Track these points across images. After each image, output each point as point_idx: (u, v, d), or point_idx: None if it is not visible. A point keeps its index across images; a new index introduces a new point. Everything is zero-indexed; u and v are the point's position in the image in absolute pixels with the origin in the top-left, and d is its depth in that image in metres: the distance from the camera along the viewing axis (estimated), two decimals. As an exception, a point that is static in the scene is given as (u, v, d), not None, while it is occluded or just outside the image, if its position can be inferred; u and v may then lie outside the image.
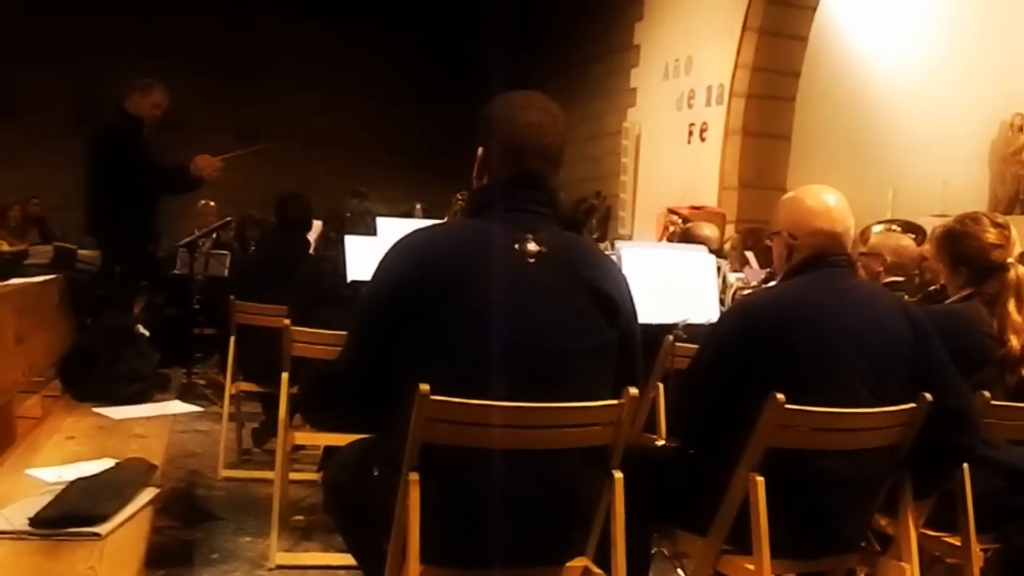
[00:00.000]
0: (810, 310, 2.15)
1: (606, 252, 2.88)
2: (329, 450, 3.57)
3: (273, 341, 3.34)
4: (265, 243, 7.22)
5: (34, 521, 1.93)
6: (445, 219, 5.19)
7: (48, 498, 2.04)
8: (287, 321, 3.24)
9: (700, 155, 8.93)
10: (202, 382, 6.00)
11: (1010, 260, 2.66)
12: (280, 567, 3.21)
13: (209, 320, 6.13)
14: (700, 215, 7.25)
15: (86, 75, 11.00)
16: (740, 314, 2.32)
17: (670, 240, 6.03)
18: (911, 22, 8.15)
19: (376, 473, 1.93)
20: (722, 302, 3.87)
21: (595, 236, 8.18)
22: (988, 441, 2.37)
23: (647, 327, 2.14)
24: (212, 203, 7.78)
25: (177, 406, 3.41)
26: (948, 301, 2.81)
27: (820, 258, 2.24)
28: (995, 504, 2.46)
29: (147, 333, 3.62)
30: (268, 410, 4.49)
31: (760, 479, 1.99)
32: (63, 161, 9.35)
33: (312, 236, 4.88)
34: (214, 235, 6.91)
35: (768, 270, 4.72)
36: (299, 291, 3.95)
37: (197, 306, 6.33)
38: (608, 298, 1.89)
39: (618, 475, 1.91)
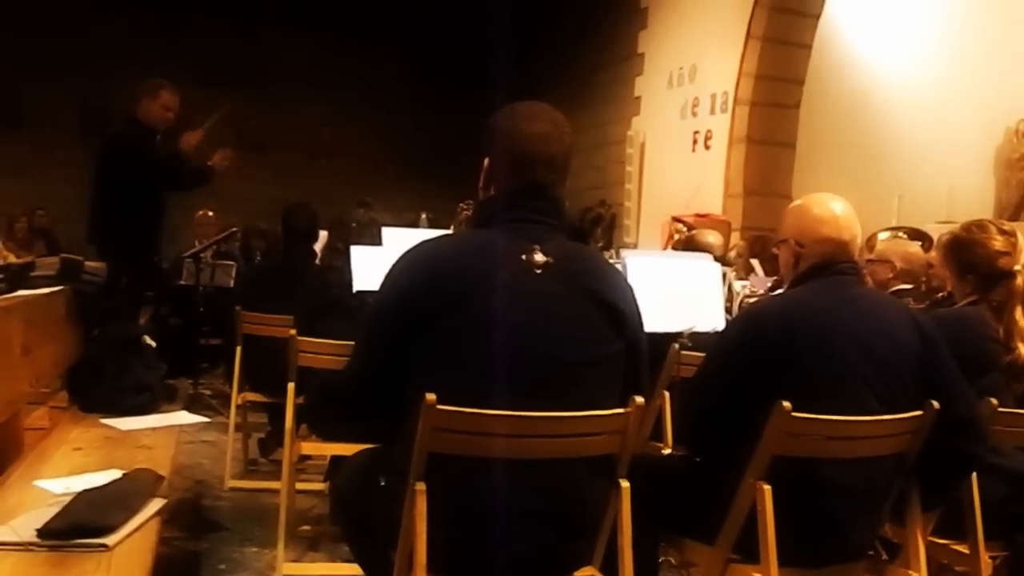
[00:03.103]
0: (817, 318, 2.15)
1: (611, 261, 2.89)
2: (336, 460, 3.58)
3: (279, 351, 3.34)
4: (271, 253, 7.25)
5: (42, 532, 1.94)
6: (451, 229, 5.20)
7: (56, 509, 2.05)
8: (293, 331, 3.24)
9: (705, 163, 8.94)
10: (208, 392, 6.01)
11: (1017, 267, 2.66)
12: (287, 577, 3.21)
13: (215, 330, 6.14)
14: (705, 223, 7.25)
15: (92, 87, 11.05)
16: (747, 322, 2.32)
17: (674, 248, 6.02)
18: (915, 28, 8.15)
19: (383, 483, 1.92)
20: (728, 310, 3.87)
21: (600, 245, 8.17)
22: (996, 448, 2.36)
23: (653, 336, 2.13)
24: (211, 213, 7.78)
25: (184, 417, 3.42)
26: (954, 307, 2.81)
27: (827, 266, 2.25)
28: (1003, 511, 2.46)
29: (153, 344, 3.63)
30: (274, 420, 4.49)
31: (767, 487, 1.98)
32: (69, 173, 9.39)
33: (318, 246, 4.89)
34: (215, 246, 6.91)
35: (775, 278, 4.72)
36: (305, 301, 3.96)
37: (203, 317, 6.34)
38: (614, 308, 1.89)
39: (625, 484, 1.90)
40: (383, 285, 1.90)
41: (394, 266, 1.89)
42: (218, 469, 4.44)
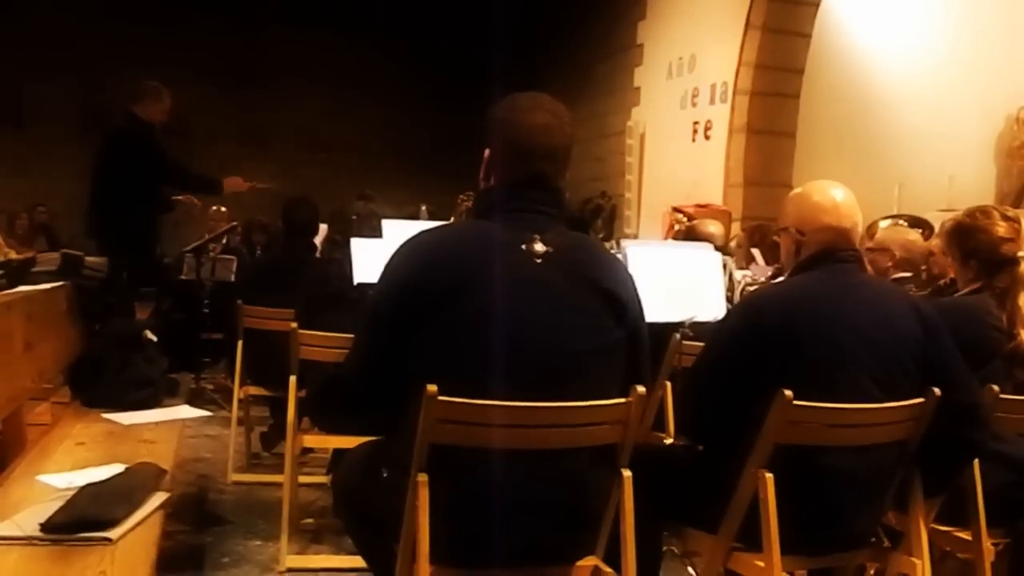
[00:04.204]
0: (818, 306, 2.14)
1: (612, 251, 2.88)
2: (338, 453, 3.57)
3: (281, 345, 3.34)
4: (271, 247, 7.26)
5: (45, 527, 1.94)
6: (451, 220, 5.19)
7: (59, 504, 2.05)
8: (294, 324, 3.24)
9: (705, 153, 8.92)
10: (210, 387, 6.02)
11: (1020, 254, 2.65)
12: (290, 570, 3.22)
13: (217, 325, 6.14)
14: (706, 213, 7.23)
15: (93, 84, 11.04)
16: (747, 310, 2.32)
17: (675, 239, 6.02)
18: (915, 17, 8.12)
19: (385, 475, 1.93)
20: (729, 300, 3.87)
21: (601, 236, 8.16)
22: (998, 435, 2.36)
23: (654, 325, 2.13)
24: (224, 209, 7.80)
25: (186, 411, 3.43)
26: (957, 295, 2.81)
27: (828, 254, 2.24)
28: (1006, 498, 2.45)
29: (155, 338, 3.63)
30: (276, 414, 4.50)
31: (769, 476, 1.98)
32: (69, 170, 9.38)
33: (318, 239, 4.89)
34: (223, 240, 6.93)
35: (776, 266, 4.71)
36: (306, 294, 3.95)
37: (205, 311, 6.35)
38: (615, 298, 1.89)
39: (627, 473, 1.90)
40: (382, 276, 1.90)
41: (392, 257, 1.89)
42: (221, 463, 4.45)
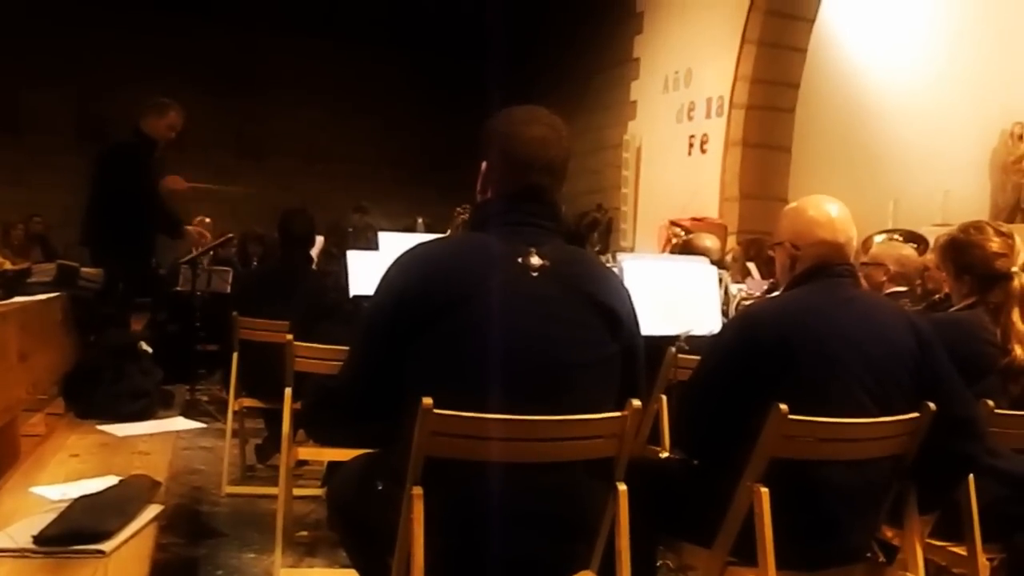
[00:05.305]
0: (813, 320, 2.15)
1: (608, 265, 2.89)
2: (333, 465, 3.57)
3: (276, 357, 3.34)
4: (267, 259, 7.26)
5: (38, 539, 1.93)
6: (448, 233, 5.20)
7: (52, 516, 2.04)
8: (290, 336, 3.24)
9: (701, 167, 8.95)
10: (205, 398, 6.00)
11: (1014, 269, 2.66)
12: (284, 583, 3.20)
13: (212, 336, 6.14)
14: (702, 227, 7.25)
15: (89, 93, 11.05)
16: (742, 324, 2.32)
17: (672, 252, 6.02)
18: (910, 32, 8.17)
19: (380, 488, 1.92)
20: (725, 313, 3.87)
21: (597, 249, 8.16)
22: (993, 450, 2.36)
23: (649, 339, 2.14)
24: (208, 219, 7.79)
25: (180, 423, 3.42)
26: (952, 310, 2.81)
27: (823, 268, 2.25)
28: (1001, 513, 2.45)
29: (150, 350, 3.62)
30: (271, 426, 4.49)
31: (764, 490, 1.98)
32: (65, 180, 9.40)
33: (315, 251, 4.89)
34: (211, 251, 6.92)
35: (771, 280, 4.72)
36: (301, 306, 3.95)
37: (200, 322, 6.34)
38: (611, 312, 1.89)
39: (622, 487, 1.90)
40: (378, 288, 1.90)
41: (389, 269, 1.89)
42: (215, 475, 4.43)
